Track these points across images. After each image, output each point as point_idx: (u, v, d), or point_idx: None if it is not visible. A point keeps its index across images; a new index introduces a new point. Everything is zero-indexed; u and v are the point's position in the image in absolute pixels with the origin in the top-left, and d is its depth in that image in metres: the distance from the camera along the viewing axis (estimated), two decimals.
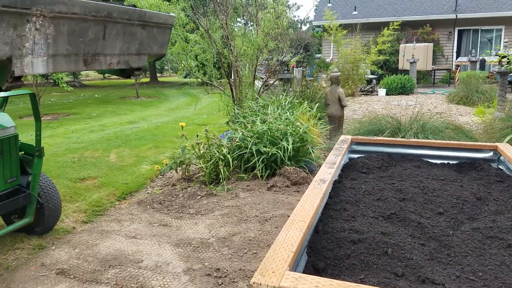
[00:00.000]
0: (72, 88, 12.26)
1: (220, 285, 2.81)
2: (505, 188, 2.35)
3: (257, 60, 7.45)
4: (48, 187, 3.57)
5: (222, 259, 3.16)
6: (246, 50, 7.11)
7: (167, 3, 7.36)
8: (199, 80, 7.86)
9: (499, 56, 7.83)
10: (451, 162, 2.95)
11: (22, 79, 1.74)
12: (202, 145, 5.32)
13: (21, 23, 1.56)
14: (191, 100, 8.34)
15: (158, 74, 31.29)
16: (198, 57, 7.44)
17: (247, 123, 5.67)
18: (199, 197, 4.65)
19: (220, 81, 8.21)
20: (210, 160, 5.07)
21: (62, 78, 9.57)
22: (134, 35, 2.19)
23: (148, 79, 26.88)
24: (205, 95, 7.64)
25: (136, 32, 2.20)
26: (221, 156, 5.07)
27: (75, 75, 24.60)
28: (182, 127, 5.48)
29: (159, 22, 2.34)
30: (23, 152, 3.41)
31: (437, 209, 2.06)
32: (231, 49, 6.98)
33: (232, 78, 7.35)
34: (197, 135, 5.43)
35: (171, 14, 2.59)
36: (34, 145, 3.30)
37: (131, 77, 2.59)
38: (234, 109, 6.86)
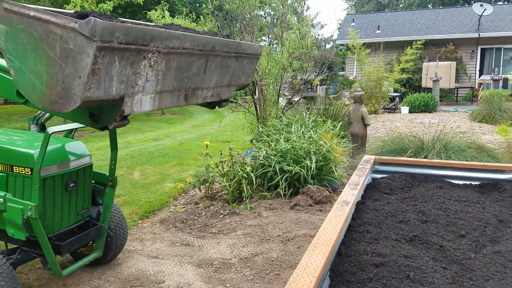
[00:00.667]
0: None
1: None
2: None
3: (281, 79, 7.60)
4: (118, 218, 3.38)
5: (244, 280, 3.20)
6: (270, 69, 7.28)
7: (195, 24, 7.67)
8: None
9: None
10: (473, 183, 2.95)
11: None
12: (226, 163, 5.44)
13: (138, 60, 1.50)
14: (215, 117, 8.55)
15: None
16: None
17: (271, 141, 5.78)
18: (222, 215, 4.73)
19: (245, 99, 8.39)
20: (234, 178, 5.17)
21: None
22: (228, 67, 2.14)
23: None
24: (229, 112, 7.81)
25: (231, 64, 2.14)
26: (245, 175, 5.17)
27: None
28: (207, 145, 5.63)
29: (250, 53, 2.28)
30: (93, 181, 3.24)
31: (459, 231, 2.08)
32: (256, 68, 7.17)
33: (257, 96, 7.52)
34: (221, 153, 5.57)
35: (261, 44, 2.56)
36: (108, 174, 3.16)
37: (215, 108, 2.52)
38: (258, 127, 6.99)
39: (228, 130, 11.28)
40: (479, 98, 14.35)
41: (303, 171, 5.16)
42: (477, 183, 2.97)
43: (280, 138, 5.75)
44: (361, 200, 2.75)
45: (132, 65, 1.49)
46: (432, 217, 2.26)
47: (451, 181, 3.04)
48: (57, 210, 2.83)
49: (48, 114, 3.38)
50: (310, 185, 5.18)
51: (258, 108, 7.45)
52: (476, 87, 17.16)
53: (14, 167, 2.71)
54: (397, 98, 15.50)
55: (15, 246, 2.96)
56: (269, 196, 5.23)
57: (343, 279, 1.81)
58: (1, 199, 2.56)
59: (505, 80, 14.62)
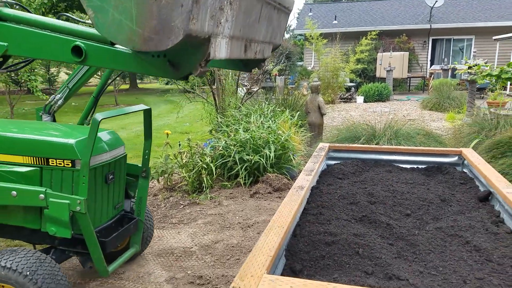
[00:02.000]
0: (47, 96, 12.06)
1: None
2: (467, 189, 2.55)
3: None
4: (146, 211, 3.26)
5: (205, 267, 3.24)
6: None
7: None
8: (181, 87, 7.95)
9: (468, 66, 8.23)
10: (420, 166, 3.14)
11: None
12: (185, 154, 5.40)
13: None
14: (173, 108, 8.41)
15: (138, 81, 31.04)
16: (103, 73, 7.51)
17: (230, 131, 5.80)
18: (182, 206, 4.72)
19: (203, 89, 8.32)
20: (193, 169, 5.16)
21: (37, 86, 9.40)
22: (271, 20, 1.92)
23: (127, 86, 26.50)
24: (187, 103, 7.72)
25: (273, 17, 1.92)
26: (204, 165, 5.17)
27: (50, 82, 23.77)
28: (168, 134, 5.55)
29: (287, 7, 2.06)
30: None
31: (405, 211, 2.22)
32: None
33: (215, 86, 7.48)
34: (180, 144, 5.51)
35: None
36: (140, 164, 3.00)
37: (254, 70, 2.25)
38: (217, 117, 6.97)
39: (187, 121, 11.14)
40: (429, 87, 15.15)
41: (262, 160, 5.24)
42: (423, 166, 3.17)
43: (240, 128, 5.79)
44: (316, 185, 2.85)
45: None
46: (380, 199, 2.39)
47: (399, 165, 3.22)
48: (98, 204, 2.62)
49: (61, 101, 3.14)
50: (269, 174, 5.27)
51: (216, 98, 7.42)
52: (427, 76, 18.09)
53: (50, 160, 2.47)
54: (353, 88, 16.01)
55: (46, 246, 2.75)
56: (229, 185, 5.27)
57: (298, 257, 1.89)
58: (42, 195, 2.32)
59: (454, 70, 15.54)
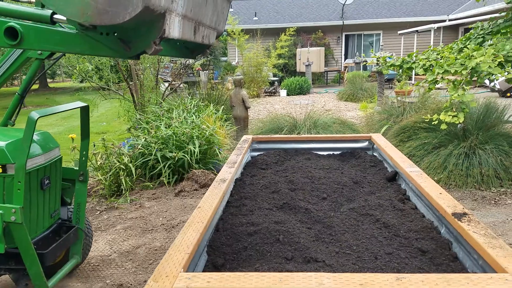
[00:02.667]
0: None
1: None
2: (377, 171, 2.75)
3: (158, 64, 7.32)
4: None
5: (126, 274, 3.07)
6: None
7: None
8: (95, 84, 7.44)
9: (377, 58, 8.91)
10: (335, 152, 3.32)
11: None
12: (100, 155, 5.06)
13: None
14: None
15: (49, 80, 28.47)
16: (92, 60, 7.03)
17: (151, 128, 5.57)
18: (98, 212, 4.43)
19: (119, 85, 7.87)
20: (110, 171, 4.85)
21: None
22: (216, 4, 1.86)
23: (37, 86, 24.22)
24: (102, 100, 7.25)
25: (217, 1, 1.87)
26: (122, 166, 4.89)
27: None
28: (73, 139, 5.10)
29: None
30: None
31: (321, 195, 2.32)
32: None
33: (132, 82, 7.12)
34: (94, 145, 5.15)
35: None
36: (77, 168, 2.72)
37: (196, 56, 2.14)
38: (136, 114, 6.66)
39: (103, 121, 10.48)
40: (344, 80, 16.15)
41: (186, 156, 5.11)
42: (338, 152, 3.35)
43: (161, 124, 5.58)
44: (239, 177, 2.85)
45: None
46: (299, 185, 2.46)
47: (317, 152, 3.36)
48: (33, 212, 2.29)
49: None
50: (195, 170, 5.17)
51: (134, 94, 7.08)
52: (342, 70, 19.27)
53: None
54: (276, 82, 16.46)
55: None
56: (151, 185, 5.06)
57: (220, 252, 1.86)
58: None
59: (365, 63, 16.77)
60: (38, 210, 2.39)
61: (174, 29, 1.40)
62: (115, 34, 1.37)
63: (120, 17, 1.16)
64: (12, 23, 1.56)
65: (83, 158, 2.72)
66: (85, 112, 2.61)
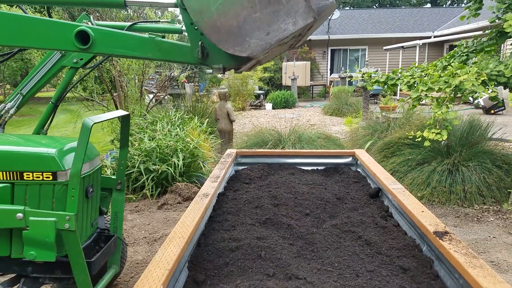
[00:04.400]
0: None
1: None
2: (360, 187, 2.76)
3: (143, 75, 7.28)
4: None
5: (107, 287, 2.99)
6: (130, 65, 6.90)
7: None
8: (79, 95, 7.34)
9: (362, 74, 9.07)
10: (319, 168, 3.32)
11: None
12: None
13: None
14: (72, 118, 7.70)
15: None
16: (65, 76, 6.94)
17: (134, 140, 5.50)
18: None
19: (103, 97, 7.78)
20: None
21: None
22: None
23: None
24: (85, 111, 7.16)
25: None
26: None
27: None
28: None
29: None
30: None
31: (304, 210, 2.31)
32: (113, 64, 6.71)
33: (116, 93, 7.05)
34: None
35: None
36: (115, 176, 2.67)
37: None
38: (119, 126, 6.56)
39: None
40: (330, 94, 16.35)
41: (170, 169, 5.06)
42: (322, 167, 3.36)
43: (145, 136, 5.52)
44: (222, 191, 2.82)
45: None
46: (283, 200, 2.45)
47: (301, 167, 3.36)
48: (78, 221, 2.20)
49: (13, 110, 2.69)
50: (178, 183, 5.11)
51: (118, 106, 7.01)
52: (328, 84, 19.51)
53: (25, 174, 2.09)
54: (262, 96, 16.55)
55: (13, 275, 2.26)
56: (134, 198, 4.97)
57: (201, 268, 1.83)
58: (20, 214, 1.95)
59: (350, 78, 17.03)
60: (82, 219, 2.34)
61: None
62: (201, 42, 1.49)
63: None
64: (84, 26, 1.55)
65: (121, 167, 2.66)
66: (125, 121, 2.57)
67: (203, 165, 5.50)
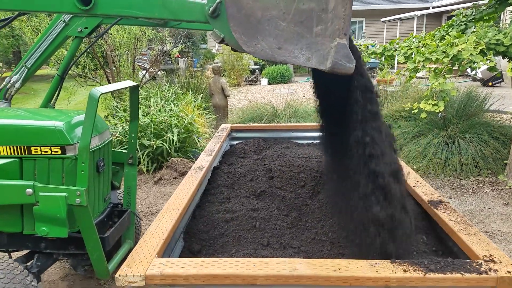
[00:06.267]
0: None
1: (102, 285, 2.70)
2: None
3: (135, 50, 7.13)
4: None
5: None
6: (122, 39, 6.75)
7: None
8: (72, 72, 7.21)
9: (358, 46, 8.93)
10: (314, 141, 3.30)
11: None
12: None
13: None
14: (65, 95, 7.57)
15: None
16: (67, 46, 6.79)
17: (128, 116, 5.44)
18: None
19: (96, 73, 7.64)
20: None
21: None
22: None
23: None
24: (79, 88, 7.05)
25: None
26: None
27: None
28: None
29: None
30: None
31: (299, 183, 2.30)
32: (105, 38, 6.55)
33: (109, 68, 6.92)
34: None
35: None
36: (126, 151, 2.61)
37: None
38: (113, 102, 6.49)
39: (81, 108, 10.20)
40: None
41: (165, 144, 5.03)
42: (317, 141, 3.33)
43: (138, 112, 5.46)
44: (217, 165, 2.81)
45: None
46: (277, 173, 2.44)
47: (296, 141, 3.34)
48: (90, 196, 2.16)
49: (19, 84, 2.62)
50: (174, 158, 5.10)
51: (111, 81, 6.90)
52: None
53: (33, 148, 2.03)
54: (257, 71, 16.33)
55: (27, 251, 2.27)
56: None
57: (197, 238, 1.83)
58: (30, 189, 1.91)
59: None
60: (94, 194, 2.30)
61: None
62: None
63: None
64: None
65: (132, 141, 2.60)
66: (134, 92, 2.48)
67: (198, 140, 5.47)
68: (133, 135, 2.59)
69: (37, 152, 2.08)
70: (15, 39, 15.79)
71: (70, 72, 7.44)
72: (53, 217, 1.96)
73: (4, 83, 2.68)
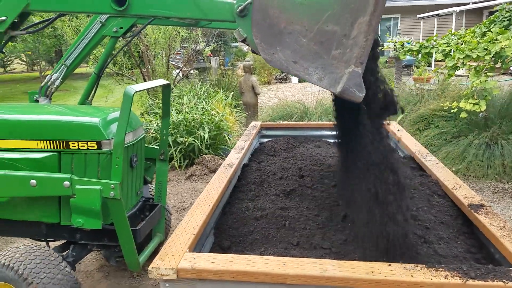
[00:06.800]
0: None
1: (135, 277, 2.77)
2: None
3: (169, 49, 7.28)
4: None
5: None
6: (157, 39, 6.90)
7: None
8: (110, 70, 7.47)
9: (394, 43, 8.67)
10: None
11: None
12: None
13: None
14: (103, 92, 7.87)
15: None
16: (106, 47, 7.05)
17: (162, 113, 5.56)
18: None
19: (132, 71, 7.87)
20: None
21: None
22: None
23: None
24: (116, 86, 7.28)
25: None
26: None
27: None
28: None
29: None
30: None
31: (330, 182, 2.25)
32: (141, 38, 6.73)
33: (145, 67, 7.11)
34: None
35: None
36: (158, 147, 2.72)
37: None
38: (148, 100, 6.66)
39: (118, 105, 10.52)
40: None
41: (197, 141, 5.10)
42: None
43: (172, 109, 5.57)
44: (247, 162, 2.81)
45: None
46: (308, 172, 2.40)
47: (327, 140, 3.28)
48: (123, 190, 2.28)
49: (59, 81, 2.78)
50: (205, 155, 5.17)
51: (147, 80, 7.08)
52: None
53: (71, 143, 2.15)
54: None
55: (63, 241, 2.41)
56: None
57: (227, 234, 1.84)
58: (67, 182, 2.01)
59: (382, 48, 16.36)
60: (127, 188, 2.39)
61: None
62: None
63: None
64: None
65: (164, 137, 2.67)
66: (166, 90, 2.55)
67: (229, 138, 5.51)
68: (164, 131, 2.65)
69: (74, 146, 2.16)
70: (57, 39, 16.54)
71: (108, 70, 7.75)
72: (88, 209, 2.04)
73: (45, 80, 2.81)
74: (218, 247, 1.78)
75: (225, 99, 6.49)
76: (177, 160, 5.07)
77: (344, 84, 1.23)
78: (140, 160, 2.51)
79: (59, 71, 2.80)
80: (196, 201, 1.87)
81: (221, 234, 1.87)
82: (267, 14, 1.29)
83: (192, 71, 8.75)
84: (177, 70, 8.21)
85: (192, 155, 5.24)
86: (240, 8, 1.42)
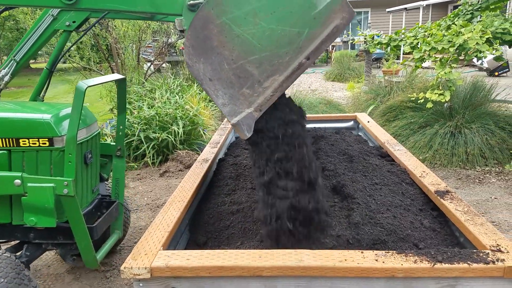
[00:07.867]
0: None
1: (108, 278, 2.73)
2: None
3: (139, 42, 7.12)
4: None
5: (110, 253, 3.03)
6: (126, 31, 6.73)
7: None
8: (77, 65, 7.22)
9: (364, 36, 8.84)
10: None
11: None
12: None
13: None
14: (70, 88, 7.61)
15: (31, 60, 27.53)
16: (72, 39, 6.81)
17: (133, 108, 5.45)
18: None
19: (100, 65, 7.65)
20: None
21: None
22: None
23: None
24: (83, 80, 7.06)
25: None
26: None
27: None
28: None
29: None
30: None
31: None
32: (109, 30, 6.54)
33: (114, 61, 6.92)
34: None
35: None
36: (114, 143, 2.66)
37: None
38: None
39: (86, 101, 10.17)
40: (332, 60, 16.04)
41: (170, 137, 5.04)
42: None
43: (143, 104, 5.47)
44: (223, 157, 2.81)
45: None
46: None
47: None
48: (78, 187, 2.21)
49: (8, 77, 2.63)
50: (179, 151, 5.11)
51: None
52: (329, 49, 19.07)
53: (21, 140, 2.08)
54: None
55: (16, 242, 2.34)
56: (136, 166, 4.99)
57: (203, 230, 1.84)
58: (18, 180, 1.96)
59: (352, 41, 16.63)
60: (82, 185, 2.34)
61: None
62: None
63: None
64: None
65: (120, 133, 2.63)
66: (122, 84, 2.51)
67: (204, 132, 5.47)
68: (121, 127, 2.62)
69: (25, 144, 2.11)
70: (19, 33, 15.84)
71: (75, 65, 7.48)
72: (41, 207, 2.00)
73: None
74: (194, 244, 1.78)
75: (199, 93, 6.43)
76: (150, 157, 4.99)
77: (240, 119, 1.39)
78: (95, 157, 2.48)
79: (8, 67, 2.69)
80: (170, 198, 1.86)
81: (197, 230, 1.87)
82: (207, 26, 1.35)
83: (164, 65, 8.60)
84: (148, 64, 8.05)
85: (166, 151, 5.18)
86: (191, 2, 1.46)
